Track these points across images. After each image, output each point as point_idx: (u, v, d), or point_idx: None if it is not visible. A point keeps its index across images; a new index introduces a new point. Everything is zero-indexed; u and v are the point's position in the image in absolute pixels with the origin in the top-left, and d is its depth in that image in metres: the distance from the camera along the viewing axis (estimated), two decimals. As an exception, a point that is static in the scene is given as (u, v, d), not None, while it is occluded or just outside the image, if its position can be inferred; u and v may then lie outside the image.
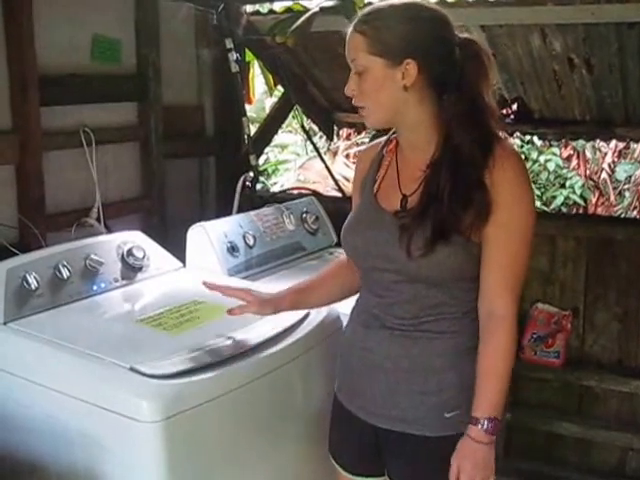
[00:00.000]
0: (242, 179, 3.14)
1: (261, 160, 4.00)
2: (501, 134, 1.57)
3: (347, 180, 5.96)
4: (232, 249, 2.48)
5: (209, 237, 2.45)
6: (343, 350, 1.74)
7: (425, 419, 1.56)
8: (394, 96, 1.52)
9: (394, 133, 1.69)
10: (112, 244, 2.26)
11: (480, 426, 1.49)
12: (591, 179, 7.16)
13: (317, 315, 2.04)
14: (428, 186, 1.53)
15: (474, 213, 1.47)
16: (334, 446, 1.79)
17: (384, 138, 1.73)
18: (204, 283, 1.85)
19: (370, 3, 2.83)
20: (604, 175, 7.11)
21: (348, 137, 7.04)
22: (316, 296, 1.87)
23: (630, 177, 7.04)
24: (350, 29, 1.55)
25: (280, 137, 6.13)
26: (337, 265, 1.87)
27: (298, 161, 7.19)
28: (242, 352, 1.79)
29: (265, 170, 6.78)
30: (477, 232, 1.49)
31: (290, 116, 4.22)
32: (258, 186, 3.31)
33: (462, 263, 1.51)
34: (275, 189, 6.24)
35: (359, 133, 6.19)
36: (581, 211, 7.01)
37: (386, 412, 1.60)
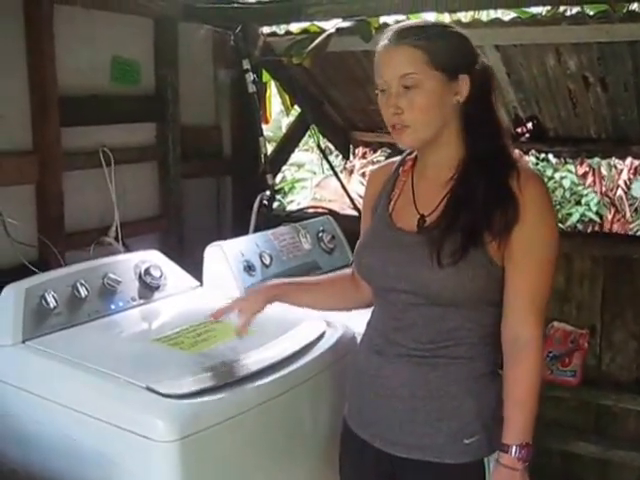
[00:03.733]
0: (259, 198, 3.15)
1: (277, 179, 4.02)
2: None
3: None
4: (249, 268, 2.49)
5: (226, 256, 2.47)
6: (354, 377, 1.71)
7: (444, 446, 1.54)
8: (446, 111, 1.52)
9: (409, 154, 1.69)
10: (130, 263, 2.28)
11: (512, 453, 1.48)
12: (607, 196, 7.12)
13: (333, 334, 2.05)
14: (454, 197, 1.54)
15: (502, 219, 1.47)
16: (348, 475, 1.76)
17: (398, 158, 1.73)
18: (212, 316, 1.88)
19: (386, 24, 2.87)
20: (620, 192, 7.07)
21: (364, 156, 7.06)
22: (307, 298, 1.86)
23: (646, 194, 7.01)
24: (393, 43, 1.50)
25: (296, 155, 6.15)
26: (340, 276, 1.88)
27: (314, 179, 7.21)
28: (258, 372, 1.80)
29: (281, 189, 6.80)
30: (499, 252, 1.49)
31: (306, 135, 4.25)
32: (274, 205, 3.32)
33: (485, 285, 1.51)
34: (291, 207, 6.26)
35: (375, 152, 6.20)
36: (597, 228, 6.96)
37: (403, 440, 1.57)
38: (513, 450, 1.48)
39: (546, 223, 1.51)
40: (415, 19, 2.82)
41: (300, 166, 7.58)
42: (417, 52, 1.48)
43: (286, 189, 7.21)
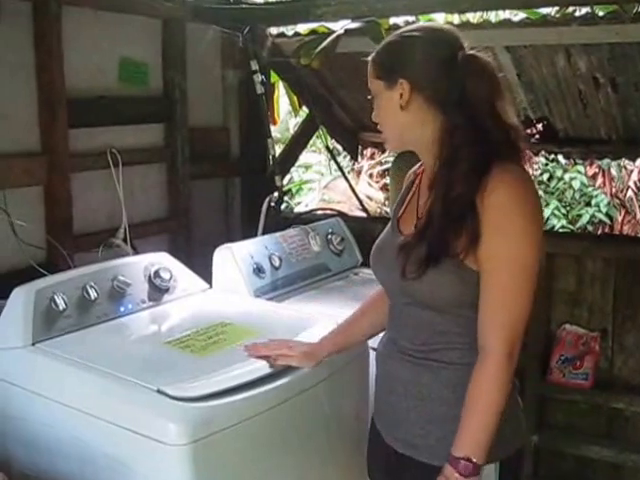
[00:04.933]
0: (267, 200, 3.15)
1: (285, 180, 4.01)
2: (523, 154, 1.52)
3: (371, 200, 5.98)
4: (258, 270, 2.49)
5: (235, 258, 2.46)
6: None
7: (434, 448, 1.53)
8: (395, 117, 1.54)
9: None
10: (139, 265, 2.26)
11: (454, 465, 1.44)
12: (617, 197, 7.10)
13: (344, 336, 2.03)
14: (428, 208, 1.52)
15: (466, 237, 1.42)
16: (369, 465, 1.78)
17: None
18: (246, 347, 1.86)
19: (396, 25, 2.86)
20: (630, 193, 7.05)
21: (372, 156, 7.05)
22: (358, 330, 1.85)
23: (656, 195, 6.98)
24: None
25: (304, 157, 6.14)
26: (376, 293, 1.83)
27: (322, 181, 7.21)
28: (270, 374, 1.79)
29: (289, 190, 6.80)
30: (472, 258, 1.44)
31: (314, 136, 4.24)
32: (282, 206, 3.32)
33: (457, 290, 1.47)
34: (299, 209, 6.26)
35: (383, 152, 6.19)
36: (607, 229, 6.94)
37: (402, 436, 1.59)
38: (452, 460, 1.45)
39: (511, 233, 1.42)
40: (424, 20, 2.82)
41: (308, 167, 7.58)
42: (370, 65, 1.59)
43: (294, 190, 7.21)
